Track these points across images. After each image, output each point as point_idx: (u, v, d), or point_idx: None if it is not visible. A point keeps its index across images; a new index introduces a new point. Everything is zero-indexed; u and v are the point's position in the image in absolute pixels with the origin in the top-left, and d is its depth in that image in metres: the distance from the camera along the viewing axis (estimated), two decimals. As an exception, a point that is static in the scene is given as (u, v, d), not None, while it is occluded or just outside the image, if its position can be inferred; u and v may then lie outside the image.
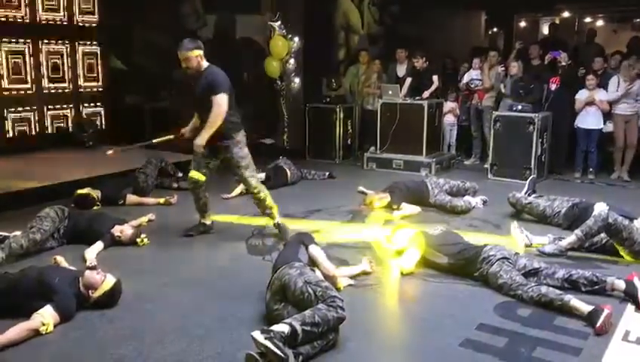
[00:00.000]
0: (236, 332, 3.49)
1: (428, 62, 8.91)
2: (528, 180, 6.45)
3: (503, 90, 8.63)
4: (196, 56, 4.91)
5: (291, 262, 3.63)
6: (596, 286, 4.03)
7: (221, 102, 4.87)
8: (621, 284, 3.99)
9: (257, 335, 2.97)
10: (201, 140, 4.97)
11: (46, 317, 3.48)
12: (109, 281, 3.83)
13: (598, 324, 3.50)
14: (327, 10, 10.36)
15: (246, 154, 5.17)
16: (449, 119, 9.42)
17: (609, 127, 8.01)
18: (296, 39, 9.48)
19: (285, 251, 3.95)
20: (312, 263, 3.85)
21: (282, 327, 3.06)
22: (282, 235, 5.23)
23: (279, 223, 5.33)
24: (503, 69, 8.77)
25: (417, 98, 8.68)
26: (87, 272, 3.86)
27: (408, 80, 8.96)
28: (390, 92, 8.78)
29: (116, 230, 5.07)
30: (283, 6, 9.48)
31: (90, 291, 3.77)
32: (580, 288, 4.03)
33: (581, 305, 3.68)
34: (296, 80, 9.80)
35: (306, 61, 9.88)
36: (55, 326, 3.51)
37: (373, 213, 6.24)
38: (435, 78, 8.85)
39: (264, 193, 5.27)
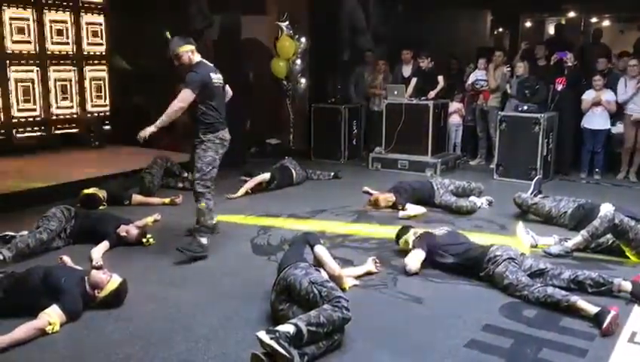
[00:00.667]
0: (241, 332, 3.50)
1: (433, 62, 8.90)
2: (534, 181, 6.43)
3: (508, 91, 8.61)
4: (186, 51, 4.84)
5: (297, 262, 3.63)
6: (602, 288, 4.01)
7: (183, 97, 4.69)
8: (627, 285, 3.98)
9: (263, 335, 2.97)
10: (146, 129, 4.74)
11: (52, 316, 3.50)
12: (114, 281, 3.84)
13: (604, 325, 3.49)
14: (332, 11, 10.35)
15: (207, 158, 4.80)
16: (454, 120, 9.41)
17: (619, 127, 7.98)
18: (303, 39, 9.49)
19: (290, 251, 3.95)
20: (318, 263, 3.86)
21: (288, 327, 3.06)
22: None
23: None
24: (508, 69, 8.74)
25: (423, 98, 8.68)
26: (93, 272, 3.87)
27: (414, 80, 8.96)
28: (396, 92, 8.78)
29: (122, 230, 5.09)
30: (289, 7, 9.48)
31: (96, 291, 3.79)
32: (587, 289, 4.02)
33: (587, 306, 3.67)
34: (303, 80, 9.81)
35: (311, 61, 9.89)
36: (61, 325, 3.53)
37: (377, 212, 6.24)
38: (440, 78, 8.85)
39: (202, 204, 4.87)
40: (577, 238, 4.82)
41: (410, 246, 4.68)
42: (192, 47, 4.87)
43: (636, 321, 3.69)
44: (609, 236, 4.78)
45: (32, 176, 7.09)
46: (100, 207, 6.19)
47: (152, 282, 4.31)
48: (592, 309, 3.63)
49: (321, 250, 3.93)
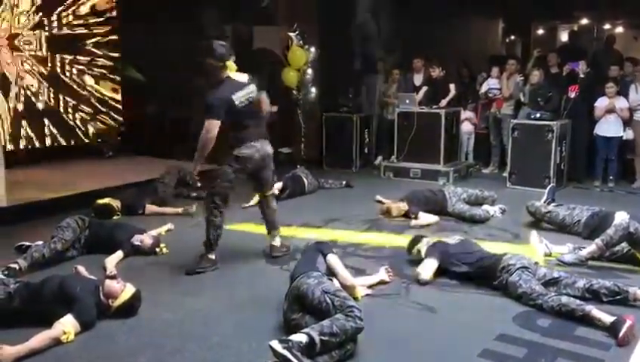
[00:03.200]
0: (255, 342, 3.50)
1: (444, 71, 8.91)
2: (547, 189, 6.40)
3: (522, 99, 8.57)
4: (215, 67, 4.60)
5: (309, 272, 3.64)
6: (618, 297, 3.97)
7: (208, 127, 4.53)
8: None
9: (275, 344, 2.98)
10: (193, 168, 4.81)
11: (67, 326, 3.52)
12: (128, 290, 3.86)
13: (620, 335, 3.45)
14: (344, 20, 10.40)
15: (226, 176, 4.75)
16: (467, 127, 9.40)
17: (629, 134, 7.92)
18: (313, 49, 9.54)
19: (303, 260, 3.96)
20: (330, 273, 3.86)
21: (300, 337, 3.06)
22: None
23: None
24: (522, 77, 8.71)
25: (435, 107, 8.68)
26: (108, 281, 3.90)
27: (424, 88, 8.97)
28: (407, 101, 8.79)
29: (136, 239, 5.12)
30: (299, 17, 9.54)
31: (110, 300, 3.81)
32: (601, 298, 3.98)
33: (603, 315, 3.64)
34: (313, 89, 9.85)
35: (323, 71, 9.93)
36: (76, 335, 3.55)
37: (389, 221, 6.24)
38: (452, 86, 8.85)
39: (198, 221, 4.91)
40: (592, 247, 4.77)
41: (423, 255, 4.66)
42: (215, 62, 4.59)
43: (652, 331, 3.65)
44: (624, 244, 4.73)
45: (46, 187, 7.16)
46: (114, 217, 6.24)
47: (166, 291, 4.33)
48: (608, 319, 3.60)
49: (333, 259, 3.93)
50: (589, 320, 3.67)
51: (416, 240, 4.89)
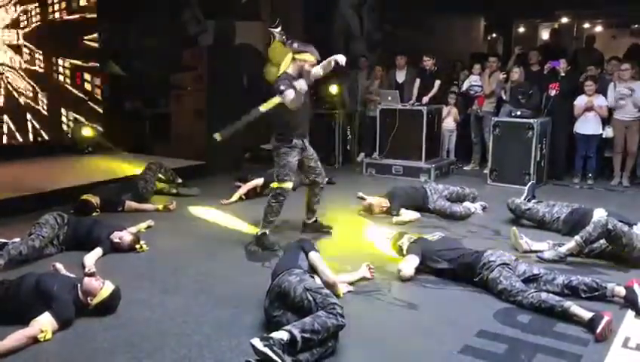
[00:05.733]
0: (235, 340, 3.48)
1: (437, 67, 8.93)
2: (528, 186, 6.44)
3: (504, 97, 8.62)
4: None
5: (291, 269, 3.63)
6: (596, 293, 4.02)
7: None
8: (621, 291, 3.98)
9: (257, 342, 2.96)
10: None
11: (44, 324, 3.47)
12: (107, 288, 3.82)
13: (598, 330, 3.49)
14: (326, 17, 10.38)
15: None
16: (449, 125, 9.43)
17: (608, 132, 8.01)
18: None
19: (285, 258, 3.94)
20: (312, 270, 3.85)
21: (281, 334, 3.05)
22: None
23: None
24: (504, 75, 8.77)
25: (417, 104, 8.70)
26: (86, 279, 3.85)
27: (417, 81, 8.95)
28: (390, 98, 8.80)
29: (115, 236, 5.06)
30: (282, 12, 9.49)
31: (89, 298, 3.76)
32: (580, 294, 4.02)
33: (581, 311, 3.68)
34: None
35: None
36: (53, 333, 3.50)
37: (372, 217, 6.24)
38: (436, 83, 8.86)
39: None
40: (571, 244, 4.82)
41: (405, 251, 4.67)
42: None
43: (630, 326, 3.70)
44: (602, 241, 4.78)
45: (24, 183, 7.05)
46: (94, 214, 6.16)
47: (145, 289, 4.29)
48: (586, 315, 3.64)
49: (315, 257, 3.92)
50: (568, 317, 3.71)
51: (398, 237, 4.90)
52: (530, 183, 6.60)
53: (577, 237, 4.79)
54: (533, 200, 6.13)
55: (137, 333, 3.59)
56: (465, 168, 9.35)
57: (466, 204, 6.49)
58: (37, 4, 9.15)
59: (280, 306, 3.50)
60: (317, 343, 3.16)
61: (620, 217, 4.89)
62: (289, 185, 5.30)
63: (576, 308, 3.71)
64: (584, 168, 8.21)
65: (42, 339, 3.43)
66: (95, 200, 6.29)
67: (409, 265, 4.47)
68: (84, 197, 6.27)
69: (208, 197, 7.12)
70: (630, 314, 3.86)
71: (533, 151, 7.65)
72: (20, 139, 9.02)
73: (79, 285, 3.79)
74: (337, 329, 3.24)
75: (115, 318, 3.79)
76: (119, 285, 3.91)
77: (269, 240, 5.21)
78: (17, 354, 3.32)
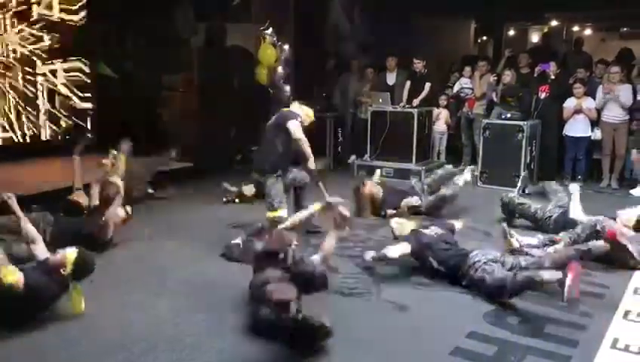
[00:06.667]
0: (227, 341, 3.48)
1: (426, 70, 8.95)
2: (521, 177, 6.50)
3: (494, 99, 8.66)
4: None
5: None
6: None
7: None
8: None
9: None
10: None
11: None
12: (70, 254, 3.79)
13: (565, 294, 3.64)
14: (317, 19, 10.39)
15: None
16: (440, 127, 9.44)
17: (597, 134, 8.07)
18: (286, 47, 9.51)
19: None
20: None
21: None
22: None
23: None
24: (495, 78, 8.81)
25: (407, 106, 8.72)
26: (50, 257, 3.85)
27: (408, 83, 8.98)
28: (380, 100, 8.82)
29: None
30: (273, 14, 9.50)
31: (61, 270, 3.74)
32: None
33: (552, 275, 3.80)
34: (287, 88, 9.81)
35: (296, 69, 9.90)
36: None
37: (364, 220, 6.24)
38: (427, 85, 8.88)
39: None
40: (559, 246, 4.85)
41: (399, 238, 4.72)
42: None
43: (618, 328, 3.73)
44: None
45: (12, 184, 6.97)
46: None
47: (136, 292, 4.26)
48: (556, 276, 3.76)
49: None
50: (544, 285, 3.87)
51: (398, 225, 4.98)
52: (522, 175, 6.67)
53: (566, 239, 4.84)
54: (527, 193, 6.16)
55: (129, 337, 3.58)
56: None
57: (455, 178, 6.52)
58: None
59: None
60: None
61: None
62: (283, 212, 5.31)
63: (546, 274, 3.83)
64: (573, 170, 8.26)
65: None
66: (84, 201, 6.22)
67: (397, 249, 4.47)
68: (73, 198, 6.20)
69: (198, 198, 7.11)
70: (618, 315, 3.90)
71: (523, 154, 7.69)
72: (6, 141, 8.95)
73: (48, 264, 3.80)
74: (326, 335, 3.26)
75: (105, 322, 3.77)
76: (109, 289, 3.91)
77: None
78: (17, 354, 3.31)
